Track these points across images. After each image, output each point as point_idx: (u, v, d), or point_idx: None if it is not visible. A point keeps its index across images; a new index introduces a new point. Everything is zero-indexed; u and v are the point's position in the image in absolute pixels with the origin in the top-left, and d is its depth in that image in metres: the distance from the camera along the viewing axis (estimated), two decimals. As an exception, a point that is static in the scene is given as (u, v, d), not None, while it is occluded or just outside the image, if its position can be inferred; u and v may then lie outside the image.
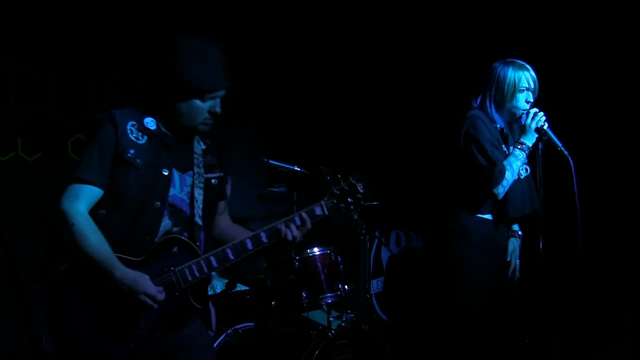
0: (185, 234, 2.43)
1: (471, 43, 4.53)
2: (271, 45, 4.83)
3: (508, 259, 3.27)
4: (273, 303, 3.69)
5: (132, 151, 2.36)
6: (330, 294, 3.57)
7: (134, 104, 2.50)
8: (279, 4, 4.75)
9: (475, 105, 3.20)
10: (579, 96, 4.16)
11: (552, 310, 3.61)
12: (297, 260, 3.53)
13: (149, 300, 2.27)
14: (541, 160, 3.09)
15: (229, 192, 3.30)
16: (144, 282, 2.28)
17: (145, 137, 2.41)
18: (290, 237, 2.46)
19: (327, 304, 3.58)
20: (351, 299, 3.74)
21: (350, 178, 2.59)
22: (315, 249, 3.58)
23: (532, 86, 3.10)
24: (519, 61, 3.14)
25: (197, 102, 2.41)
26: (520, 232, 3.30)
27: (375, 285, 4.84)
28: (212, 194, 2.55)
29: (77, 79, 4.08)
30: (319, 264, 3.58)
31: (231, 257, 2.43)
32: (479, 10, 4.54)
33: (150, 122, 2.43)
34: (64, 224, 2.29)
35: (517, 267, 3.28)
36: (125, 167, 2.36)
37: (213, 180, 2.56)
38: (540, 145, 3.09)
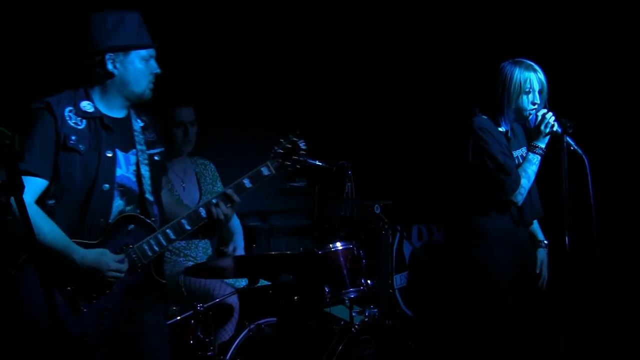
0: (138, 211, 2.47)
1: (485, 40, 4.59)
2: (290, 40, 4.88)
3: (537, 271, 3.30)
4: (295, 298, 3.69)
5: (73, 137, 2.39)
6: (353, 289, 3.53)
7: (71, 87, 2.51)
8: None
9: (477, 111, 3.19)
10: (588, 95, 4.20)
11: (572, 306, 3.59)
12: (319, 255, 3.52)
13: (115, 274, 2.34)
14: (567, 154, 3.06)
15: None
16: (105, 259, 2.34)
17: (85, 121, 2.44)
18: (221, 216, 2.53)
19: (350, 298, 3.57)
20: (374, 293, 3.71)
21: (291, 136, 2.66)
22: (338, 244, 3.57)
23: (539, 87, 3.09)
24: (527, 61, 3.14)
25: (140, 66, 2.48)
26: (546, 242, 3.32)
27: (399, 280, 4.87)
28: (157, 170, 2.60)
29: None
30: (341, 259, 3.55)
31: (187, 227, 2.50)
32: (490, 9, 4.62)
33: (87, 105, 2.45)
34: (13, 217, 2.28)
35: (546, 279, 3.31)
36: (69, 154, 2.39)
37: (156, 157, 2.60)
38: (565, 140, 3.06)
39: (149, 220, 2.48)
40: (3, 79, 3.25)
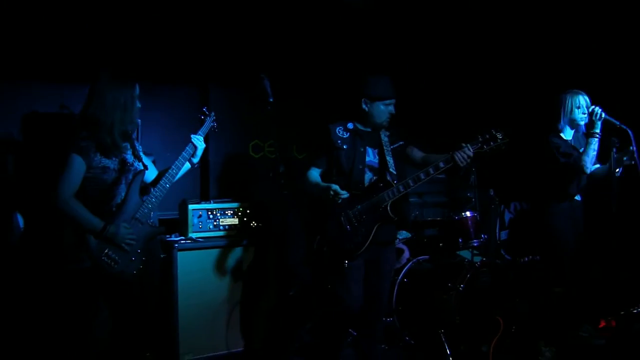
0: (384, 178, 3.41)
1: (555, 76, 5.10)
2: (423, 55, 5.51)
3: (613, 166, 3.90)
4: (440, 245, 4.85)
5: (339, 142, 3.52)
6: (476, 240, 4.60)
7: (345, 117, 3.58)
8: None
9: (548, 132, 4.10)
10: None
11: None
12: (455, 220, 4.60)
13: (335, 194, 3.31)
14: (614, 159, 3.86)
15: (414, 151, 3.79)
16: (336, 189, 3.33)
17: (348, 133, 3.54)
18: (463, 162, 3.13)
19: (474, 246, 4.63)
20: (488, 243, 4.72)
21: (492, 130, 3.22)
22: (467, 213, 4.66)
23: (584, 103, 4.08)
24: (574, 90, 4.10)
25: (382, 107, 3.50)
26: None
27: (502, 235, 5.44)
28: (398, 154, 3.53)
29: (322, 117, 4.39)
30: (469, 222, 4.63)
31: (412, 183, 3.34)
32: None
33: (349, 125, 3.59)
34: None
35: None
36: (338, 150, 3.50)
37: (398, 148, 3.54)
38: (614, 151, 3.85)
39: (391, 182, 3.36)
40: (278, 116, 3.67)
